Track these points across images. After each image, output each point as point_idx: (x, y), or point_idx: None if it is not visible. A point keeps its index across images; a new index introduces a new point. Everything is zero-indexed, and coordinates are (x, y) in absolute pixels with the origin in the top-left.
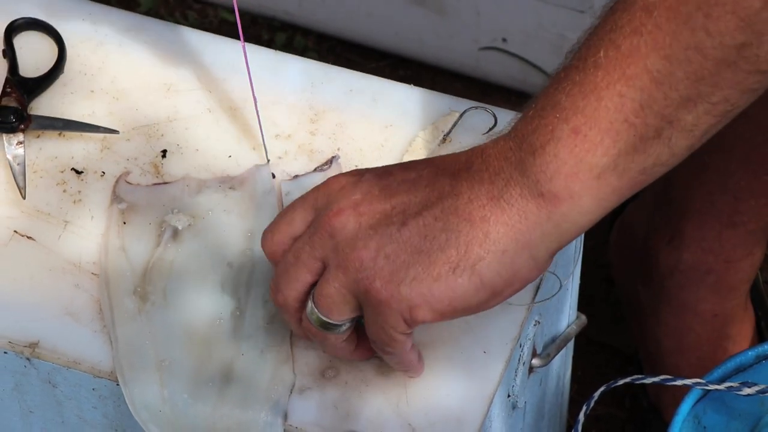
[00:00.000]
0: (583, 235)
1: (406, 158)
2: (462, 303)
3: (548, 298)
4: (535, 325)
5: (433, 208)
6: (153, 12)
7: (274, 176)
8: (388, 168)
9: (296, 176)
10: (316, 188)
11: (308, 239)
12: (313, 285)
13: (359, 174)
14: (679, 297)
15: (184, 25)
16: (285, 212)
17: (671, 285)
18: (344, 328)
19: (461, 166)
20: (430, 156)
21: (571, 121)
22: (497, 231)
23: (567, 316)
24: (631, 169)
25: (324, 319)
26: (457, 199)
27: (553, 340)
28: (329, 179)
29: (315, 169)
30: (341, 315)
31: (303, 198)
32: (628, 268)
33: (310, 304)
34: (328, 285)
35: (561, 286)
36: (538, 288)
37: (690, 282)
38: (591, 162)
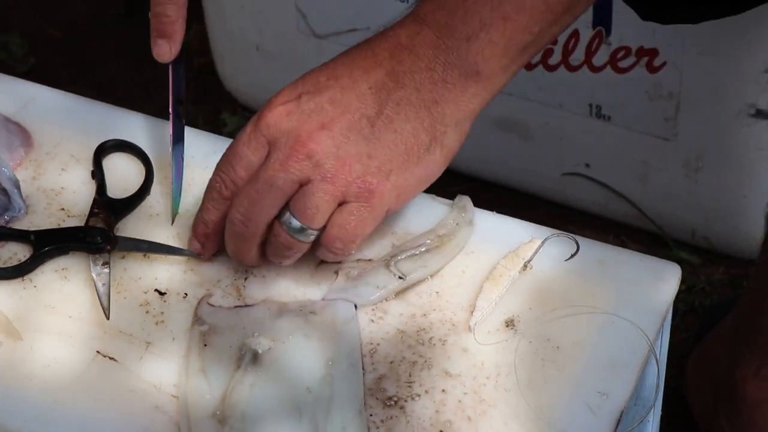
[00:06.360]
0: (665, 366)
1: (487, 287)
2: (436, 174)
3: (630, 430)
4: None
5: (388, 104)
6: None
7: (356, 307)
8: (316, 80)
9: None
10: (254, 123)
11: (280, 167)
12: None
13: (292, 95)
14: None
15: None
16: (232, 152)
17: (759, 417)
18: (317, 233)
19: (392, 63)
20: (510, 283)
21: (500, 9)
22: (449, 108)
23: None
24: (546, 39)
25: (305, 226)
26: (406, 91)
27: None
28: (263, 111)
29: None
30: (322, 221)
31: (245, 135)
32: (708, 400)
33: (287, 215)
34: (314, 197)
35: (642, 419)
36: (619, 420)
37: None
38: (518, 40)
